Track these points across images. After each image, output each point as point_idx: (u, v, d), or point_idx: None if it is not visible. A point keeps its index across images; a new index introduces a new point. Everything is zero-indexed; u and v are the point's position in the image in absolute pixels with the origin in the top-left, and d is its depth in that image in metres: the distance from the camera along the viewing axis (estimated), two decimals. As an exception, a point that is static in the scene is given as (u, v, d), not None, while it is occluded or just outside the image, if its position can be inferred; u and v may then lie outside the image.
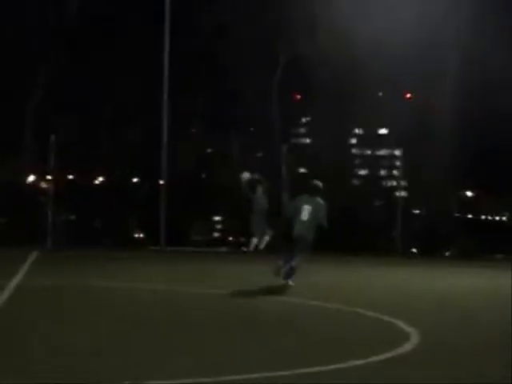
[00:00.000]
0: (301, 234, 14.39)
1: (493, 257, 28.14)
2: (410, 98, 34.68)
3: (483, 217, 37.19)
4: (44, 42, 30.66)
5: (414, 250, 31.09)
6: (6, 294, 12.84)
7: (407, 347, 8.95)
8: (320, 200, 14.62)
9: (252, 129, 35.30)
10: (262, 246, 22.27)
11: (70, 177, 33.71)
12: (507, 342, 9.42)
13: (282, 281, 14.52)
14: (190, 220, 32.46)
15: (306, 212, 14.37)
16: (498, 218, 36.60)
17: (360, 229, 30.07)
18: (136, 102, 31.80)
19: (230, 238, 33.14)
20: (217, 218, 34.85)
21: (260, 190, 22.13)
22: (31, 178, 32.30)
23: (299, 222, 14.45)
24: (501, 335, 10.04)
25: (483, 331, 10.61)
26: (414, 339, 9.48)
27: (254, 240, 21.87)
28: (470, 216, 36.13)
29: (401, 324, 10.59)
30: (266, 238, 22.16)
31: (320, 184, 14.71)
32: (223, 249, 29.05)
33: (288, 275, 14.49)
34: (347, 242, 27.84)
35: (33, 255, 20.87)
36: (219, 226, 34.83)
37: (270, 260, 19.54)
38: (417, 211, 33.82)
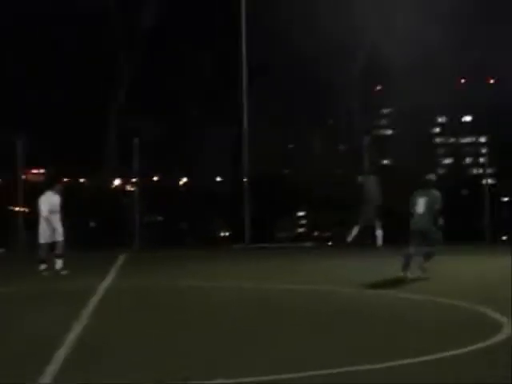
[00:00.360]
0: (418, 226, 14.82)
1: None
2: (494, 82, 33.99)
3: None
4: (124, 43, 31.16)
5: (504, 238, 30.35)
6: (99, 295, 13.10)
7: (500, 337, 8.77)
8: (436, 192, 14.98)
9: (331, 121, 35.14)
10: (349, 239, 22.37)
11: (155, 178, 34.16)
12: None
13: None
14: (274, 217, 32.47)
15: (421, 204, 14.81)
16: None
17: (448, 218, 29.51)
18: (218, 100, 32.04)
19: (315, 233, 33.01)
20: (301, 214, 34.77)
21: (373, 180, 22.26)
22: (117, 182, 32.87)
23: (416, 215, 14.89)
24: None
25: None
26: (508, 329, 9.27)
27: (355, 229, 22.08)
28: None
29: (494, 314, 10.37)
30: (355, 231, 22.25)
31: (433, 177, 15.08)
32: (308, 244, 28.94)
33: (425, 260, 14.88)
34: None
35: (121, 258, 21.22)
36: (303, 222, 34.75)
37: (356, 254, 19.40)
38: (506, 199, 33.03)
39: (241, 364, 7.77)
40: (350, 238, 22.53)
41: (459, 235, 27.49)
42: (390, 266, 15.83)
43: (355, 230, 22.40)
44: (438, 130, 37.57)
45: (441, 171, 36.57)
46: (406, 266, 14.82)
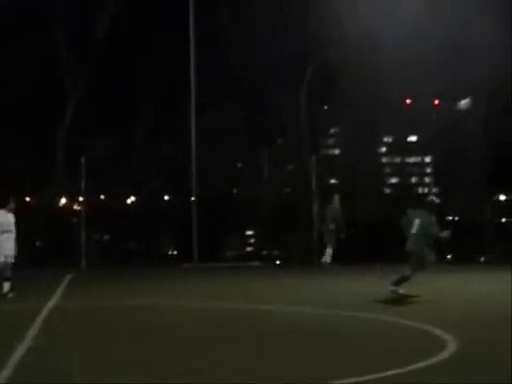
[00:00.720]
0: (409, 246, 14.91)
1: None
2: (437, 104, 34.57)
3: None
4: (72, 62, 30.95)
5: (449, 257, 30.79)
6: (44, 315, 12.95)
7: (444, 355, 8.89)
8: (431, 215, 14.96)
9: (280, 141, 35.36)
10: (324, 260, 22.50)
11: (102, 197, 33.92)
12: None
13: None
14: (223, 236, 32.48)
15: (415, 225, 14.84)
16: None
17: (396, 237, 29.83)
18: (165, 120, 32.01)
19: (264, 252, 33.08)
20: (249, 233, 34.85)
21: (336, 199, 22.44)
22: (63, 201, 32.56)
23: (410, 235, 14.95)
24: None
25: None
26: (452, 346, 9.40)
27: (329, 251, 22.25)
28: (503, 220, 35.74)
29: (438, 332, 10.51)
30: (329, 251, 22.42)
31: (434, 200, 15.11)
32: (256, 263, 28.99)
33: (396, 283, 14.86)
34: (383, 250, 27.69)
35: (68, 277, 21.01)
36: (252, 241, 34.83)
37: (302, 272, 19.50)
38: (450, 218, 33.53)
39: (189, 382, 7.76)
40: (325, 259, 22.63)
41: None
42: (339, 284, 15.95)
43: (329, 251, 22.53)
44: (384, 149, 38.06)
45: (387, 190, 36.99)
46: (398, 283, 14.88)
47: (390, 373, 7.87)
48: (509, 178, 31.72)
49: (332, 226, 22.49)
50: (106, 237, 32.74)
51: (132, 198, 34.89)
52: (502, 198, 37.07)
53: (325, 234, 22.83)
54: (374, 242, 26.66)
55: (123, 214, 32.11)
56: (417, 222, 14.87)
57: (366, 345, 9.92)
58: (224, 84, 31.23)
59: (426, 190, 34.17)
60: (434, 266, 15.44)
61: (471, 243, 29.83)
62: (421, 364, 8.30)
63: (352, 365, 8.54)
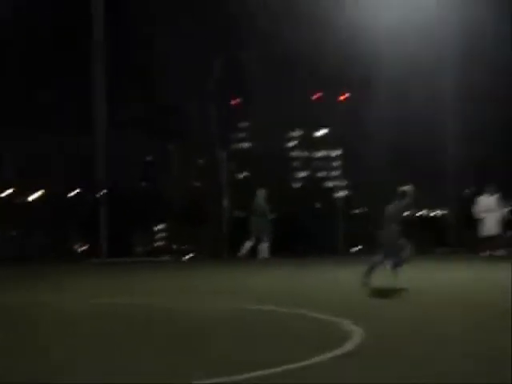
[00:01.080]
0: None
1: (434, 251, 28.48)
2: (345, 99, 34.99)
3: (422, 213, 37.56)
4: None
5: (357, 249, 31.30)
6: None
7: (349, 346, 8.99)
8: (402, 202, 15.13)
9: (190, 136, 35.22)
10: (241, 253, 22.28)
11: (8, 192, 33.17)
12: (459, 336, 9.56)
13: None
14: (132, 230, 32.23)
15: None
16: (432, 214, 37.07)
17: (304, 231, 30.22)
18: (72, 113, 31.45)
19: (174, 247, 32.97)
20: (159, 227, 34.65)
21: (262, 193, 22.21)
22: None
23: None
24: (452, 330, 10.19)
25: (430, 326, 10.73)
26: (357, 338, 9.52)
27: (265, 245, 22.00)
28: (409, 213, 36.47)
29: (345, 323, 10.63)
30: (248, 245, 22.21)
31: (406, 188, 15.12)
32: (165, 258, 28.86)
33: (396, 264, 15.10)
34: (293, 245, 27.97)
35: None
36: (162, 235, 34.64)
37: (212, 266, 19.50)
38: (357, 211, 34.08)
39: (92, 376, 7.65)
40: (242, 252, 22.43)
41: (316, 247, 28.24)
42: (250, 278, 15.98)
43: (248, 244, 22.32)
44: (292, 143, 38.35)
45: (296, 184, 37.31)
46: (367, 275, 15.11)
47: (288, 367, 7.87)
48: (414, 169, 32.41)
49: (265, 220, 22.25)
50: (13, 233, 32.10)
51: (39, 193, 34.24)
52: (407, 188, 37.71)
53: (260, 227, 22.33)
54: (286, 235, 26.88)
55: (30, 208, 31.52)
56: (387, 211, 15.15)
57: (268, 339, 9.95)
58: (132, 80, 30.98)
59: (333, 184, 34.58)
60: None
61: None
62: (322, 357, 8.34)
63: (250, 359, 8.50)
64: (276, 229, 22.98)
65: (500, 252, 21.67)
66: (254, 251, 22.47)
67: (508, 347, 8.54)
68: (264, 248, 22.39)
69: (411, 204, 15.24)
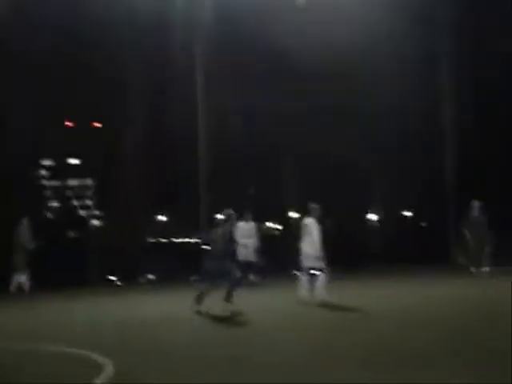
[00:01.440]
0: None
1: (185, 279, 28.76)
2: (100, 128, 34.78)
3: (179, 240, 38.10)
4: None
5: (113, 278, 31.05)
6: None
7: (101, 379, 8.92)
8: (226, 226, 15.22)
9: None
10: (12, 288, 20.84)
11: None
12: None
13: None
14: None
15: None
16: (191, 240, 37.72)
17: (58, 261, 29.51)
18: None
19: None
20: None
21: (26, 223, 20.84)
22: None
23: None
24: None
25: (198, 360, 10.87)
26: (109, 370, 9.46)
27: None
28: (164, 240, 36.90)
29: (96, 356, 10.51)
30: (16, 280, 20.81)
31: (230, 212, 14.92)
32: None
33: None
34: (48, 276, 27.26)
35: None
36: None
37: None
38: (111, 239, 33.86)
39: None
40: (12, 288, 21.03)
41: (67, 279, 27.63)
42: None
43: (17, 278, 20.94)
44: (45, 172, 37.53)
45: (49, 214, 36.48)
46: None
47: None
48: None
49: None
50: None
51: None
52: (163, 218, 38.21)
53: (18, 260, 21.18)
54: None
55: None
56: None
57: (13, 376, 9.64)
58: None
59: (86, 213, 34.17)
60: None
61: (133, 265, 30.36)
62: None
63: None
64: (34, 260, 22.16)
65: (253, 278, 22.34)
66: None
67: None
68: (20, 280, 21.49)
69: (232, 227, 15.47)
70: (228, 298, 14.99)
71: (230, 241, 15.52)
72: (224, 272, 14.98)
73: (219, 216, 15.66)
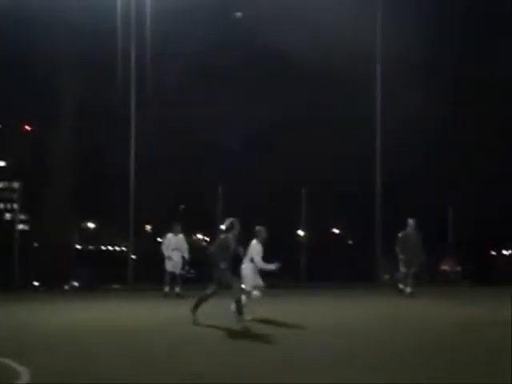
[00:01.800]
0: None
1: (110, 287, 28.45)
2: (28, 130, 34.28)
3: (106, 248, 37.76)
4: None
5: (38, 284, 30.54)
6: None
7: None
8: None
9: None
10: None
11: None
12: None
13: None
14: None
15: None
16: (118, 249, 37.45)
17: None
18: None
19: None
20: None
21: None
22: None
23: None
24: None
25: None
26: (25, 378, 9.30)
27: None
28: (91, 247, 36.53)
29: (11, 363, 10.31)
30: None
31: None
32: None
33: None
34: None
35: None
36: None
37: None
38: (37, 244, 33.36)
39: None
40: None
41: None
42: None
43: None
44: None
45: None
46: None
47: None
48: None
49: None
50: None
51: None
52: (91, 225, 37.80)
53: None
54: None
55: None
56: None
57: None
58: None
59: (12, 216, 33.59)
60: None
61: (59, 270, 29.93)
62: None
63: None
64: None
65: (178, 290, 22.25)
66: None
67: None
68: None
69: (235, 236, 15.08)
70: (239, 311, 14.78)
71: (229, 250, 15.19)
72: (223, 283, 14.86)
73: (221, 226, 15.35)
